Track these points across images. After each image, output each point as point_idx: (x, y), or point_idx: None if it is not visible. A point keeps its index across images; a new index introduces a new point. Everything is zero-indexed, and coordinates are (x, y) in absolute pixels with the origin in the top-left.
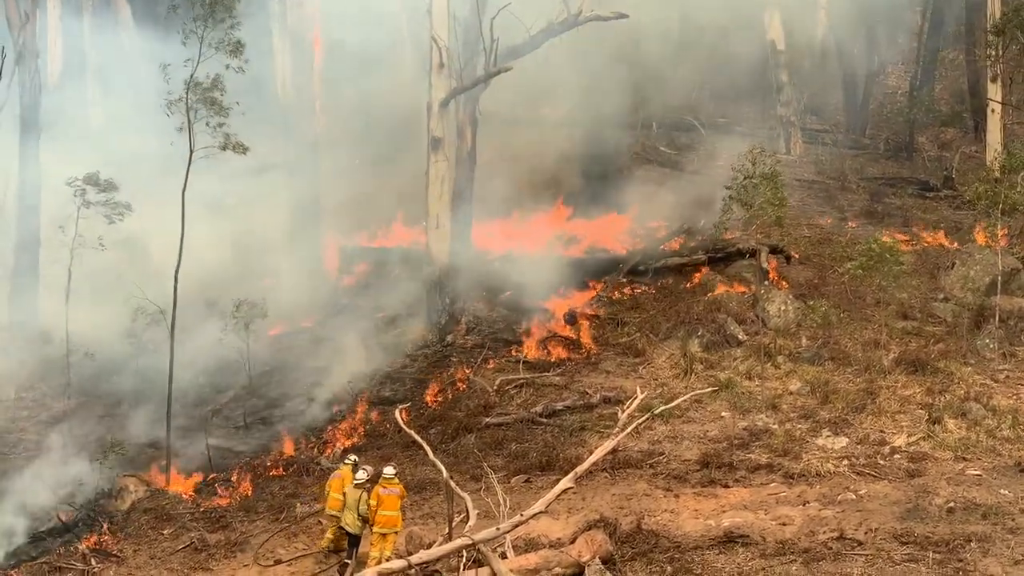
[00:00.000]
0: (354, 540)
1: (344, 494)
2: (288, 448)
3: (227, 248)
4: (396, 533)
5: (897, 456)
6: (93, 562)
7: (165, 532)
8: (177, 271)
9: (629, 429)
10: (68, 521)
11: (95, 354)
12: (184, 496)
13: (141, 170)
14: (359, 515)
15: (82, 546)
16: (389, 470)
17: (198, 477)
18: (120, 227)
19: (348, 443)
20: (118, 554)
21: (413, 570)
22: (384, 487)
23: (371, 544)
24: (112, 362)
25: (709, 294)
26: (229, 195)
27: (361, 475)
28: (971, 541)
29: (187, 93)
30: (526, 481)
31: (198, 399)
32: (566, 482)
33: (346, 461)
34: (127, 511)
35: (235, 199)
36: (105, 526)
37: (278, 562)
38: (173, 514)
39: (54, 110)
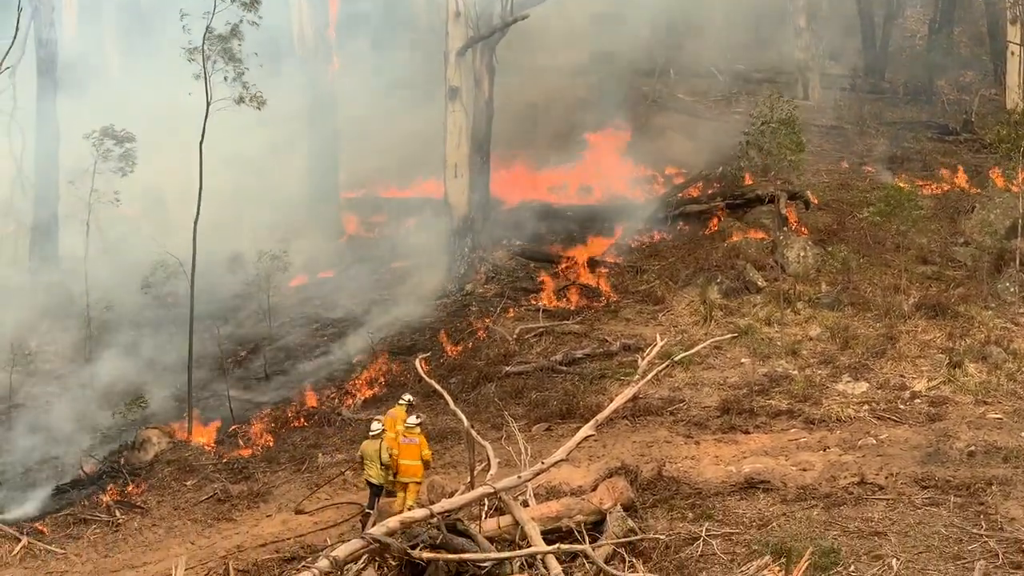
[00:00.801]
0: (377, 490)
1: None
2: (309, 399)
3: (245, 200)
4: (418, 483)
5: (917, 401)
6: (117, 513)
7: (188, 483)
8: (196, 223)
9: (649, 377)
10: (91, 473)
11: (114, 306)
12: (206, 447)
13: (159, 122)
14: (382, 465)
15: (106, 498)
16: (412, 419)
17: (220, 428)
18: (138, 180)
19: (369, 393)
20: (142, 505)
21: (435, 519)
22: (405, 436)
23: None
24: (132, 315)
25: (728, 241)
26: (247, 147)
27: (376, 426)
28: (992, 484)
29: (204, 44)
30: (547, 429)
31: (218, 351)
32: (587, 430)
33: (400, 401)
34: (150, 463)
35: (253, 151)
36: (129, 478)
37: (299, 512)
38: (196, 465)
39: (71, 64)
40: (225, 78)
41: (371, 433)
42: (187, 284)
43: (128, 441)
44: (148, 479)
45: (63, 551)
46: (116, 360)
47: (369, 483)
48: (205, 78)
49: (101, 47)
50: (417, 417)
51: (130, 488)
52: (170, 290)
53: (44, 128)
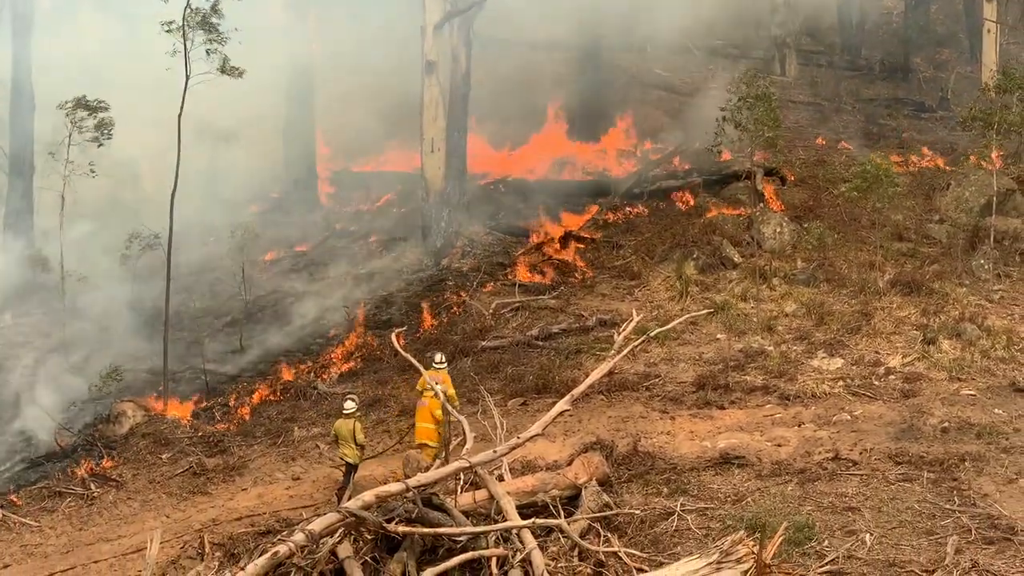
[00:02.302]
0: (351, 468)
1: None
2: (285, 373)
3: (222, 173)
4: (430, 446)
5: (892, 377)
6: (92, 487)
7: (163, 457)
8: (173, 196)
9: (625, 352)
10: (66, 446)
11: (90, 278)
12: (182, 421)
13: (136, 95)
14: (356, 444)
15: (81, 471)
16: (432, 371)
17: (195, 401)
18: (115, 152)
19: (345, 367)
20: (117, 479)
21: (411, 493)
22: (419, 398)
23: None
24: (108, 288)
25: (704, 216)
26: (224, 120)
27: (350, 405)
28: (965, 460)
29: (184, 19)
30: (522, 404)
31: (195, 324)
32: (562, 405)
33: (436, 364)
34: (125, 436)
35: (230, 124)
36: (104, 451)
37: (295, 479)
38: (171, 438)
39: (46, 35)
40: (208, 52)
41: (345, 412)
42: (163, 256)
43: (103, 414)
44: (123, 452)
45: (37, 524)
46: (91, 333)
47: (343, 460)
48: (185, 51)
49: (76, 17)
50: (441, 361)
51: (105, 461)
52: (146, 263)
53: (18, 99)
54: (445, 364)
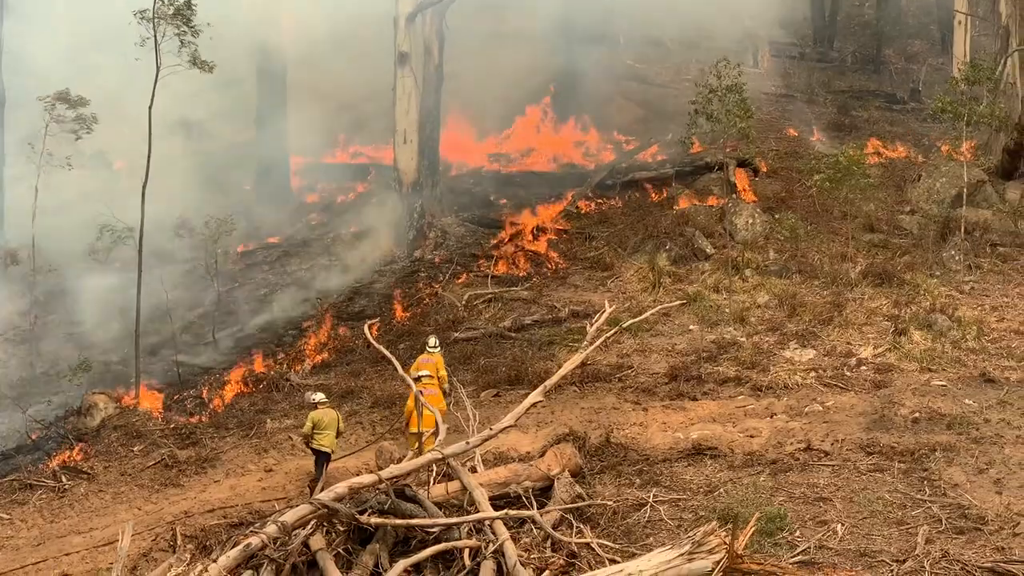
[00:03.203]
0: (325, 457)
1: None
2: (257, 364)
3: (194, 165)
4: (420, 435)
5: (863, 368)
6: (63, 479)
7: (135, 449)
8: (144, 188)
9: (598, 343)
10: (37, 439)
11: (60, 270)
12: (154, 413)
13: (107, 86)
14: (337, 432)
15: (52, 463)
16: (424, 372)
17: (167, 394)
18: (87, 144)
19: (318, 359)
20: (88, 471)
21: (383, 484)
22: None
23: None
24: (79, 279)
25: (677, 208)
26: (196, 112)
27: (320, 396)
28: (936, 451)
29: (154, 10)
30: (495, 395)
31: (166, 316)
32: (535, 396)
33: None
34: (96, 428)
35: (202, 116)
36: (75, 444)
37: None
38: (143, 431)
39: (16, 26)
40: (181, 42)
41: (321, 402)
42: (134, 248)
43: (74, 406)
44: (95, 445)
45: (8, 516)
46: (62, 325)
47: (318, 451)
48: (155, 43)
49: (49, 9)
50: (435, 345)
51: (76, 454)
52: (117, 255)
53: None
54: (439, 348)
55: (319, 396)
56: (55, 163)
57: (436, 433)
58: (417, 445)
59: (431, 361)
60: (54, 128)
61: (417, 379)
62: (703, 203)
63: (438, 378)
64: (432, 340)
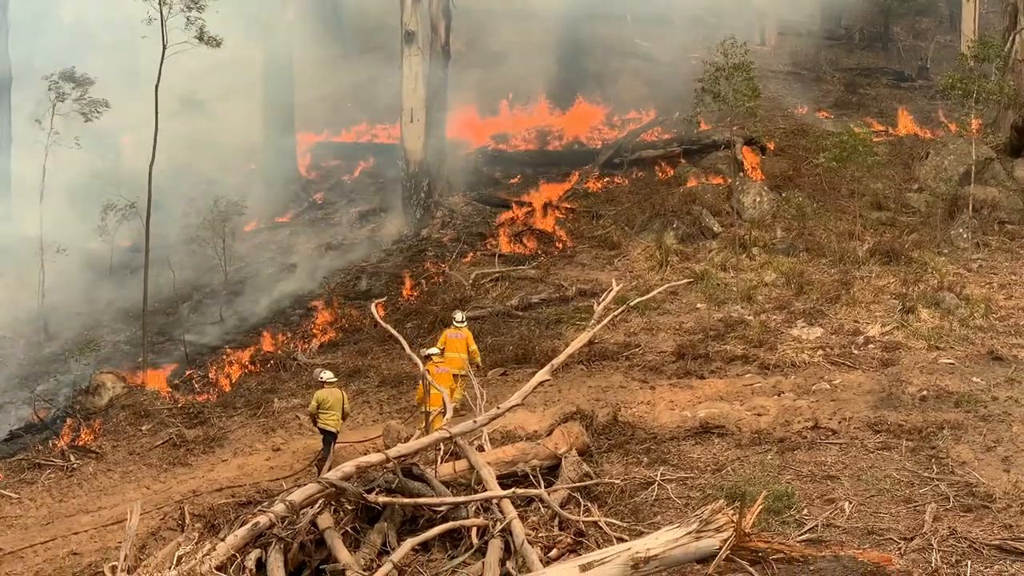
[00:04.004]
0: (331, 437)
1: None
2: (265, 344)
3: (201, 144)
4: (440, 414)
5: (871, 346)
6: (72, 458)
7: (143, 428)
8: (151, 167)
9: (605, 322)
10: (45, 418)
11: (68, 249)
12: (161, 392)
13: (113, 65)
14: (343, 414)
15: (60, 442)
16: (433, 349)
17: (175, 373)
18: (94, 123)
19: (325, 338)
20: (97, 450)
21: (391, 463)
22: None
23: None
24: (87, 258)
25: (684, 186)
26: (203, 91)
27: (328, 375)
28: (943, 429)
29: None
30: (503, 374)
31: (174, 296)
32: (542, 375)
33: (457, 322)
34: (105, 408)
35: (209, 95)
36: (83, 423)
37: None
38: (151, 410)
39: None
40: (187, 20)
41: (328, 381)
42: (142, 228)
43: (82, 386)
44: (103, 424)
45: (17, 496)
46: (70, 304)
47: (324, 430)
48: (162, 21)
49: None
50: (462, 320)
51: (84, 433)
52: (125, 233)
53: None
54: (466, 322)
55: (327, 375)
56: (63, 143)
57: (443, 412)
58: (424, 424)
59: (461, 336)
60: (62, 108)
61: (427, 357)
62: (710, 182)
63: (469, 352)
64: (459, 315)
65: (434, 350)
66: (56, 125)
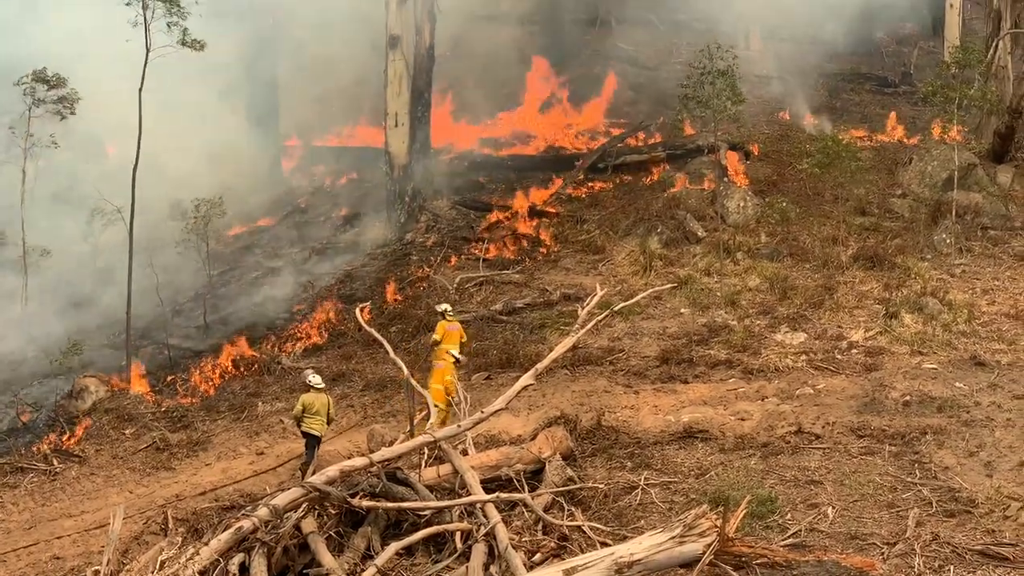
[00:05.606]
0: (315, 441)
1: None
2: (249, 347)
3: (185, 147)
4: (440, 408)
5: (854, 351)
6: (55, 462)
7: (126, 432)
8: (135, 171)
9: (589, 326)
10: (28, 422)
11: (52, 253)
12: (145, 396)
13: (97, 69)
14: (328, 419)
15: (43, 446)
16: (445, 305)
17: (158, 377)
18: (77, 127)
19: (309, 342)
20: (80, 454)
21: (375, 467)
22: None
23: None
24: (70, 262)
25: (668, 191)
26: (187, 94)
27: (319, 379)
28: (926, 434)
29: None
30: (487, 378)
31: (158, 299)
32: (526, 379)
33: (448, 315)
34: (88, 411)
35: (193, 98)
36: (66, 426)
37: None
38: (134, 414)
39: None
40: (168, 25)
41: (315, 386)
42: (125, 231)
43: (66, 389)
44: (86, 428)
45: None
46: (53, 307)
47: (308, 434)
48: (145, 24)
49: None
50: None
51: (67, 437)
52: (109, 237)
53: None
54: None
55: (315, 379)
56: (42, 145)
57: (427, 417)
58: (409, 427)
59: (458, 328)
60: (38, 110)
61: (442, 314)
62: (695, 186)
63: (460, 344)
64: (445, 305)
65: (446, 306)
66: (35, 128)
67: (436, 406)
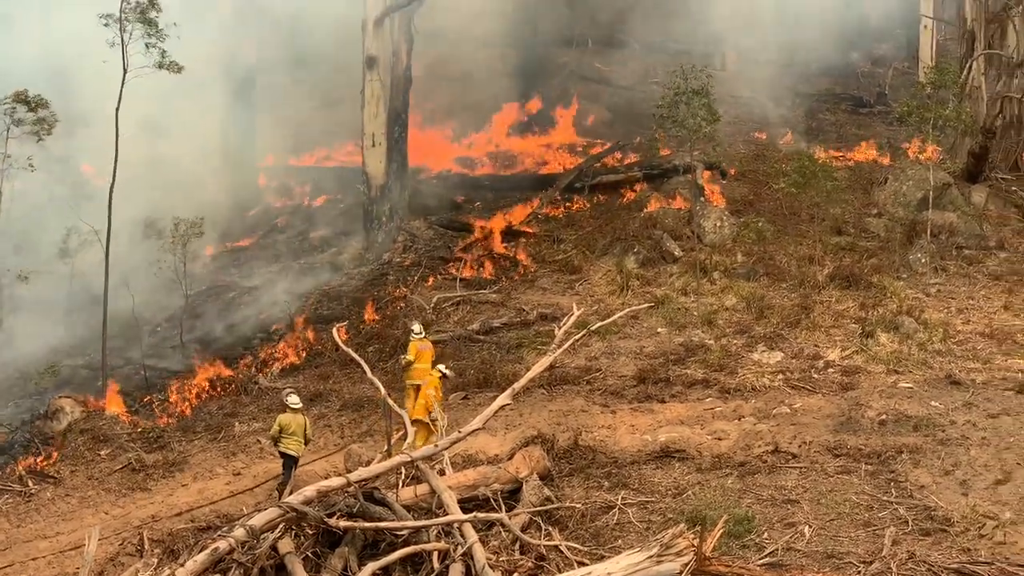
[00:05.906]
0: (293, 461)
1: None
2: (225, 368)
3: (161, 168)
4: (423, 422)
5: (831, 370)
6: (30, 483)
7: (102, 453)
8: (111, 190)
9: (566, 346)
10: (3, 443)
11: (27, 274)
12: (121, 417)
13: (74, 89)
14: (305, 440)
15: (18, 468)
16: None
17: (135, 398)
18: (54, 148)
19: (287, 362)
20: (55, 475)
21: (352, 487)
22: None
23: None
24: (46, 282)
25: (645, 211)
26: (164, 114)
27: (296, 400)
28: (902, 453)
29: (121, 12)
30: (464, 398)
31: (134, 319)
32: (503, 399)
33: (416, 334)
34: (63, 432)
35: (170, 118)
36: (41, 448)
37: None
38: (110, 435)
39: None
40: (146, 46)
41: (292, 406)
42: (101, 251)
43: (40, 410)
44: (61, 449)
45: None
46: (29, 328)
47: (285, 454)
48: (122, 45)
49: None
50: (420, 331)
51: (42, 458)
52: (86, 258)
53: None
54: (423, 332)
55: (293, 400)
56: (18, 166)
57: (404, 436)
58: (387, 446)
59: (428, 347)
60: (16, 131)
61: (408, 365)
62: (671, 206)
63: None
64: (418, 326)
65: (418, 325)
66: (12, 149)
67: (418, 421)
